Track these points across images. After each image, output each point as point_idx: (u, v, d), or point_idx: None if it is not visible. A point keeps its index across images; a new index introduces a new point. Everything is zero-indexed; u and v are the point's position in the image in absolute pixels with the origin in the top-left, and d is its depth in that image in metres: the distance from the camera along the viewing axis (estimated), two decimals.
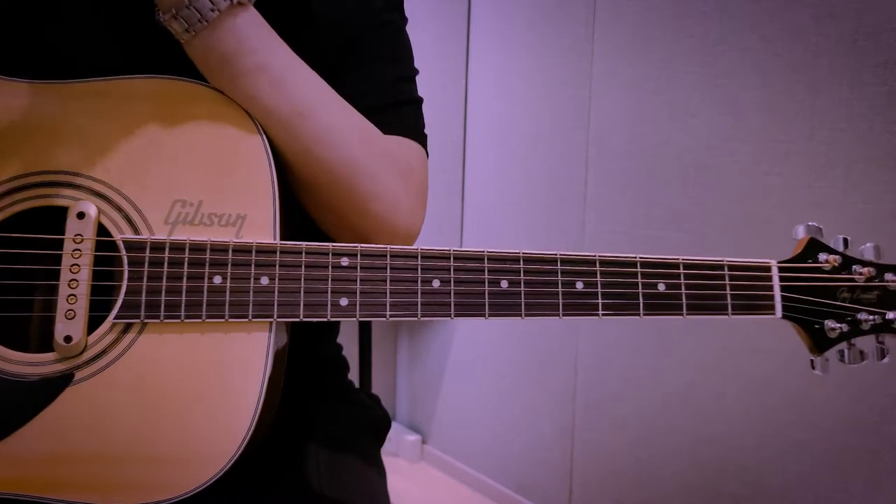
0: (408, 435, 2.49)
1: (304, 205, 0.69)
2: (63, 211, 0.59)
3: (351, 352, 0.95)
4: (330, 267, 0.60)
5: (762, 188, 1.47)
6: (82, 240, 0.58)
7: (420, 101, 0.80)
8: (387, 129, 0.72)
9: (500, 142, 2.15)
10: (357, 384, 0.96)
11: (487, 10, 2.20)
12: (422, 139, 0.77)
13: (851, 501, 1.36)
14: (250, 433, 0.57)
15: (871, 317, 0.66)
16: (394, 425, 1.83)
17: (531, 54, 2.04)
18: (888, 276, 0.67)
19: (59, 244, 0.58)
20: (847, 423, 1.36)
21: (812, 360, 0.67)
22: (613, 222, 1.79)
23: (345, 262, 0.60)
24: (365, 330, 1.30)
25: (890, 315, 0.66)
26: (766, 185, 1.46)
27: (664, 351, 1.69)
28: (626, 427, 1.79)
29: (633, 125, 1.74)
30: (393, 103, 0.76)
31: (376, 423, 0.89)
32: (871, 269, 0.66)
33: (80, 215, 0.58)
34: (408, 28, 0.82)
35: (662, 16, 1.66)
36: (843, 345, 0.67)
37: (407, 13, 0.82)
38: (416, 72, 0.81)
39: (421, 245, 0.76)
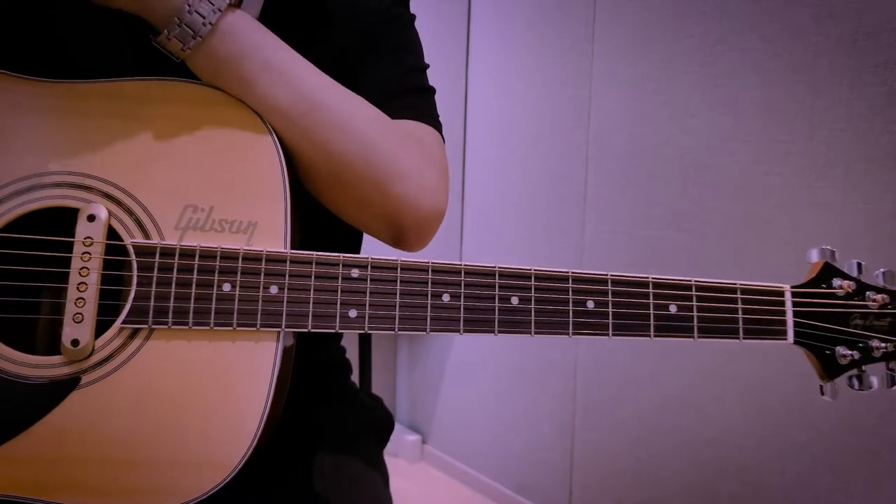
0: (408, 435, 2.49)
1: (322, 199, 0.69)
2: (74, 213, 0.59)
3: (351, 352, 0.95)
4: (340, 278, 0.60)
5: (762, 188, 1.47)
6: (92, 243, 0.58)
7: (433, 90, 0.80)
8: (400, 113, 0.72)
9: (500, 142, 2.15)
10: (357, 384, 0.96)
11: (487, 10, 2.20)
12: (437, 125, 0.77)
13: (851, 502, 1.36)
14: (256, 441, 0.57)
15: (883, 344, 0.65)
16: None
17: (531, 54, 2.04)
18: None
19: (68, 246, 0.58)
20: (846, 423, 1.36)
21: (821, 386, 0.67)
22: (613, 222, 1.79)
23: (355, 273, 0.60)
24: None
25: None
26: (766, 185, 1.46)
27: (664, 352, 1.69)
28: (626, 427, 1.79)
29: (633, 125, 1.74)
30: (406, 91, 0.76)
31: (379, 423, 0.89)
32: (885, 295, 0.65)
33: (91, 218, 0.58)
34: None
35: (662, 16, 1.66)
36: (854, 371, 0.66)
37: None
38: (426, 64, 0.81)
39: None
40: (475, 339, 2.27)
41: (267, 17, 0.71)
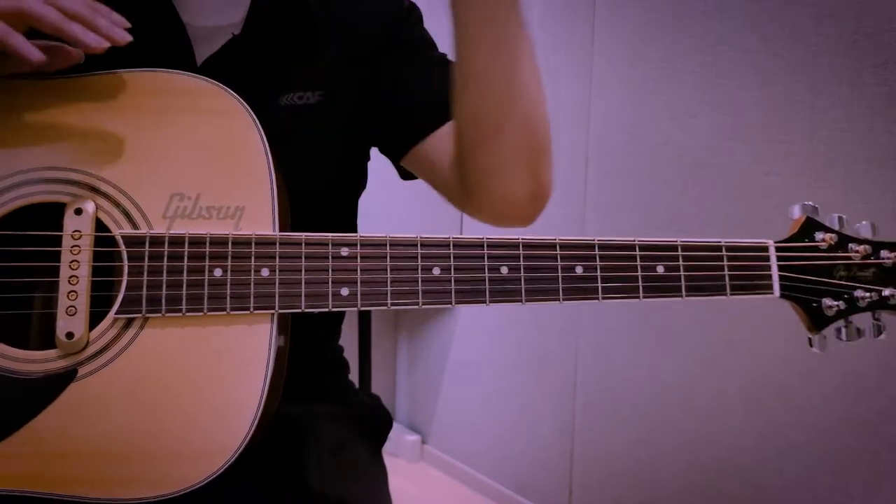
0: (408, 435, 2.49)
1: (476, 161, 0.73)
2: (61, 207, 0.59)
3: (350, 352, 0.95)
4: (330, 257, 0.60)
5: (762, 188, 1.47)
6: (81, 236, 0.58)
7: None
8: None
9: None
10: (357, 384, 0.96)
11: None
12: None
13: (850, 502, 1.36)
14: (254, 427, 0.57)
15: (867, 294, 0.66)
16: (394, 425, 1.86)
17: None
18: (883, 253, 0.67)
19: (58, 241, 0.58)
20: (846, 423, 1.36)
21: (810, 339, 0.68)
22: (613, 222, 1.79)
23: (345, 251, 0.60)
24: (364, 330, 1.30)
25: (886, 292, 0.66)
26: (766, 185, 1.46)
27: (664, 351, 1.69)
28: (625, 427, 1.79)
29: (633, 125, 1.74)
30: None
31: (377, 422, 0.89)
32: (867, 246, 0.67)
33: (78, 211, 0.58)
34: None
35: (662, 16, 1.66)
36: (841, 322, 0.67)
37: None
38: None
39: None
40: (475, 338, 2.27)
41: (250, 27, 0.72)
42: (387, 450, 0.87)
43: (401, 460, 2.46)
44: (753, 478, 1.51)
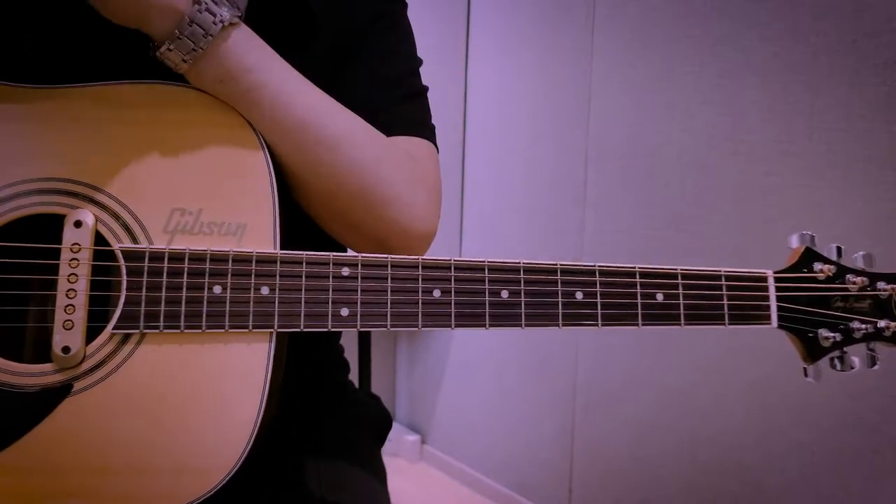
0: (408, 435, 2.49)
1: (313, 216, 0.69)
2: (60, 219, 0.58)
3: (350, 352, 0.95)
4: (331, 277, 0.60)
5: (761, 188, 1.47)
6: (80, 249, 0.57)
7: (424, 91, 0.79)
8: (393, 127, 0.72)
9: (500, 142, 2.15)
10: (357, 384, 0.96)
11: (487, 10, 2.20)
12: (429, 133, 0.77)
13: (851, 500, 1.36)
14: (251, 444, 0.57)
15: (863, 325, 0.67)
16: (394, 425, 1.87)
17: (531, 54, 2.04)
18: (880, 284, 0.68)
19: (56, 253, 0.57)
20: (847, 422, 1.36)
21: (805, 369, 0.69)
22: (613, 222, 1.80)
23: (346, 271, 0.60)
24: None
25: (881, 324, 0.67)
26: (766, 185, 1.46)
27: (664, 351, 1.69)
28: (625, 427, 1.79)
29: (633, 125, 1.74)
30: (398, 99, 0.75)
31: (377, 422, 0.89)
32: (864, 278, 0.67)
33: (78, 224, 0.57)
34: None
35: (662, 16, 1.66)
36: (836, 353, 0.68)
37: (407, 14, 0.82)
38: (418, 62, 0.80)
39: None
40: (475, 338, 2.27)
41: (251, 19, 0.70)
42: (387, 450, 0.87)
43: (401, 460, 2.46)
44: (754, 476, 1.51)
